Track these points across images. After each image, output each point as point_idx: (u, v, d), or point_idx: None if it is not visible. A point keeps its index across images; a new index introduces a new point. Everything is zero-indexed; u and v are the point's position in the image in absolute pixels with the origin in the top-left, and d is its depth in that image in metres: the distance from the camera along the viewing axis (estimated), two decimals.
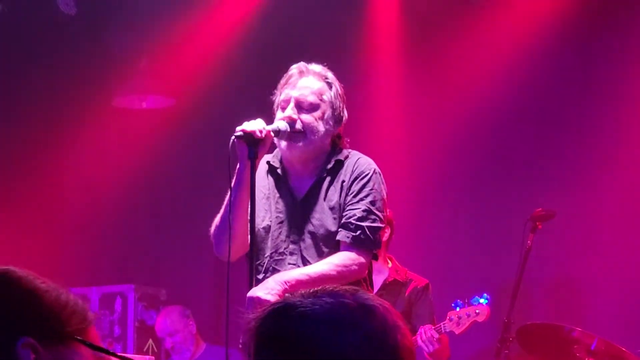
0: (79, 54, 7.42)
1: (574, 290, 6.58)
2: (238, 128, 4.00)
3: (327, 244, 4.10)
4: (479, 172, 6.94)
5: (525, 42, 6.69)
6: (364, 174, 4.11)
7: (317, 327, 1.65)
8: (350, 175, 4.12)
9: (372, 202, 4.08)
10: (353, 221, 4.05)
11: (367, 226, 4.05)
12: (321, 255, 4.07)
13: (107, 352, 1.85)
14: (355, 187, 4.09)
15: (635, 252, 6.28)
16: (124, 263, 7.85)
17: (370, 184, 4.10)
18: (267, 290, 3.89)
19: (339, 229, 4.06)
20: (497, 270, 6.15)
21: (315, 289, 1.73)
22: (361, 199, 4.08)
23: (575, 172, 6.57)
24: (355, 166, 4.13)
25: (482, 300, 5.46)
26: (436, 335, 5.48)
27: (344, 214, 4.06)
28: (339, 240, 4.07)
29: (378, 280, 5.60)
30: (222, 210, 4.19)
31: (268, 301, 3.39)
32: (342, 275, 3.95)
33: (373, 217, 4.08)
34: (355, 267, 4.01)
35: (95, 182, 7.77)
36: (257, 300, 3.82)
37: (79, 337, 1.79)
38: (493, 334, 5.99)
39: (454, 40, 6.89)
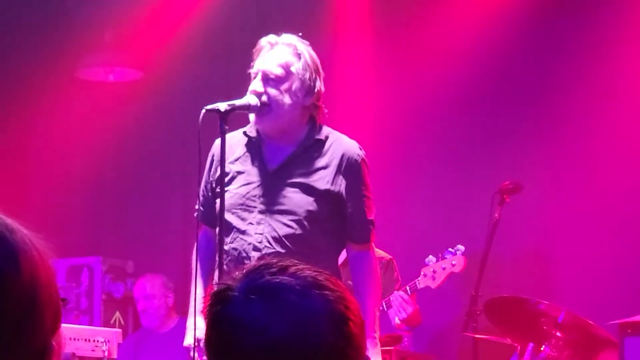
0: (42, 23, 7.32)
1: (541, 263, 6.61)
2: (208, 107, 3.99)
3: (293, 219, 4.10)
4: (446, 144, 6.93)
5: (496, 13, 6.66)
6: (357, 164, 4.17)
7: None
8: (345, 162, 4.16)
9: (368, 190, 4.22)
10: (364, 218, 4.18)
11: (371, 220, 4.21)
12: (286, 230, 4.08)
13: None
14: (354, 179, 4.17)
15: (603, 225, 6.30)
16: (91, 235, 7.80)
17: (364, 172, 4.19)
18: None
19: (349, 224, 4.17)
20: (465, 244, 6.13)
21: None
22: (361, 193, 4.18)
23: (543, 144, 6.58)
24: (349, 154, 4.18)
25: (457, 251, 5.44)
26: (406, 297, 5.43)
27: (349, 204, 4.14)
28: (312, 217, 4.10)
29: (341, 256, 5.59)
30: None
31: None
32: (377, 272, 4.27)
33: (372, 206, 4.23)
34: (375, 260, 4.28)
35: (61, 155, 7.70)
36: None
37: None
38: (461, 307, 6.01)
39: (425, 9, 6.86)
